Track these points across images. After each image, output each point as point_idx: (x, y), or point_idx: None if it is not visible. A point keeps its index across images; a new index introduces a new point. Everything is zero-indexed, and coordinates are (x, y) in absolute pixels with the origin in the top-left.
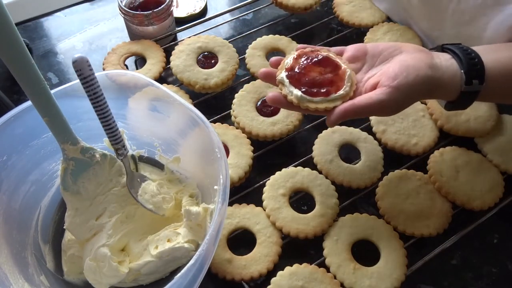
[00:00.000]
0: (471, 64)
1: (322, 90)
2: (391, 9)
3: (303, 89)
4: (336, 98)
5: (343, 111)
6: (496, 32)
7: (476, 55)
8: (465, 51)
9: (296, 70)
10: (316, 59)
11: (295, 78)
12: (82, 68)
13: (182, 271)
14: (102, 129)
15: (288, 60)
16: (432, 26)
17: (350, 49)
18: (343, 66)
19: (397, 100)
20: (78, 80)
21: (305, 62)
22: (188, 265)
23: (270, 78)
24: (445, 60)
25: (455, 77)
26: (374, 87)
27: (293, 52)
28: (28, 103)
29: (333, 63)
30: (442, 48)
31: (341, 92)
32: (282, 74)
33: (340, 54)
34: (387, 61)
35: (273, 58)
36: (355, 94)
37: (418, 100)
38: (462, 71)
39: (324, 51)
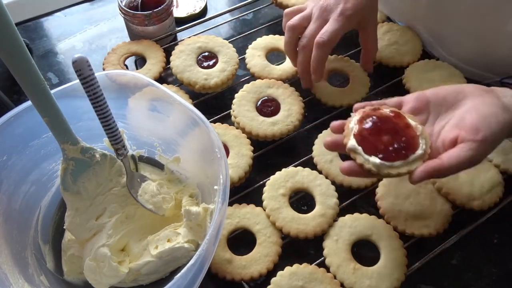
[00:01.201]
0: None
1: (400, 153)
2: (393, 10)
3: (380, 156)
4: (415, 159)
5: (430, 170)
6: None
7: None
8: None
9: (367, 135)
10: (384, 121)
11: (368, 145)
12: (82, 68)
13: (182, 271)
14: (102, 129)
15: (353, 125)
16: (441, 23)
17: (410, 101)
18: (413, 122)
19: (485, 152)
20: (78, 80)
21: (372, 125)
22: (188, 265)
23: (338, 147)
24: (511, 95)
25: None
26: (453, 141)
27: (354, 114)
28: (28, 103)
29: (402, 121)
30: (501, 83)
31: (419, 152)
32: (352, 142)
33: (399, 106)
34: (454, 107)
35: (335, 124)
36: (431, 149)
37: (499, 144)
38: None
39: (385, 107)
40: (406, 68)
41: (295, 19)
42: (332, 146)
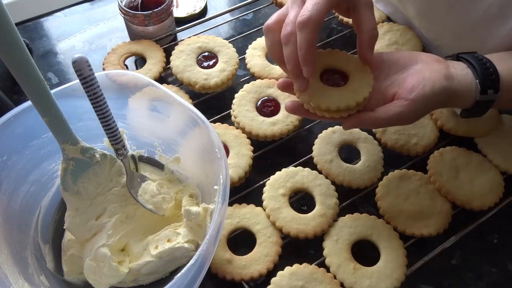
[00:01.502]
0: (486, 74)
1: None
2: (392, 13)
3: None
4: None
5: (361, 119)
6: (499, 44)
7: (491, 64)
8: (480, 61)
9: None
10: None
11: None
12: (82, 68)
13: (182, 271)
14: (102, 129)
15: None
16: (431, 37)
17: None
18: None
19: (415, 112)
20: (78, 80)
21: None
22: (188, 265)
23: (288, 88)
24: (461, 70)
25: (470, 87)
26: (391, 97)
27: None
28: (28, 103)
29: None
30: (457, 57)
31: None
32: None
33: None
34: (404, 70)
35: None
36: (369, 101)
37: (435, 109)
38: (477, 81)
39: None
40: None
41: (270, 19)
42: (284, 87)
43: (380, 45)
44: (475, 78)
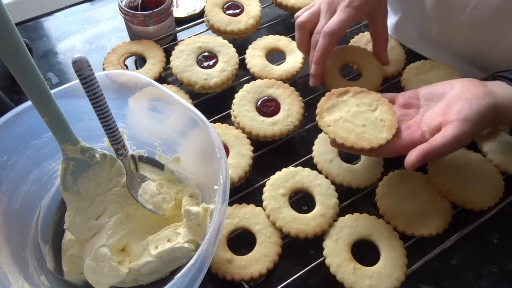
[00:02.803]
0: None
1: None
2: (393, 28)
3: None
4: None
5: (423, 153)
6: None
7: None
8: None
9: None
10: None
11: None
12: (82, 68)
13: (182, 271)
14: (102, 129)
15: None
16: (443, 36)
17: (401, 95)
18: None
19: (469, 131)
20: (78, 80)
21: None
22: (188, 265)
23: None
24: (500, 87)
25: None
26: (438, 127)
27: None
28: (28, 103)
29: None
30: (493, 77)
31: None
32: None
33: (392, 101)
34: (443, 100)
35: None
36: (400, 132)
37: (486, 129)
38: None
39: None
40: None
41: (303, 16)
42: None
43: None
44: None
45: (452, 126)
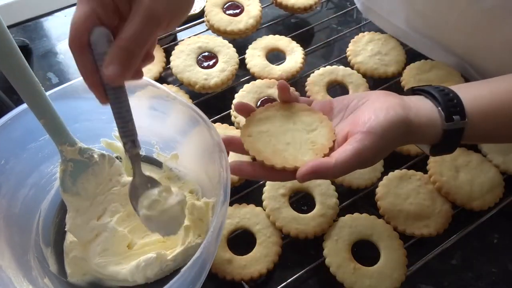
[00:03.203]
0: (447, 99)
1: None
2: (387, 25)
3: None
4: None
5: (315, 169)
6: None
7: (449, 90)
8: (437, 89)
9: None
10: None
11: None
12: (99, 42)
13: (182, 271)
14: (99, 130)
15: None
16: (436, 35)
17: (315, 106)
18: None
19: (373, 145)
20: (76, 80)
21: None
22: (188, 265)
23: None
24: (417, 100)
25: (432, 116)
26: (344, 139)
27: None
28: (25, 105)
29: None
30: (413, 91)
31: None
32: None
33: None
34: (355, 111)
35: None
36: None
37: (398, 146)
38: (439, 108)
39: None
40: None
41: None
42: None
43: (363, 56)
44: (436, 106)
45: (354, 139)
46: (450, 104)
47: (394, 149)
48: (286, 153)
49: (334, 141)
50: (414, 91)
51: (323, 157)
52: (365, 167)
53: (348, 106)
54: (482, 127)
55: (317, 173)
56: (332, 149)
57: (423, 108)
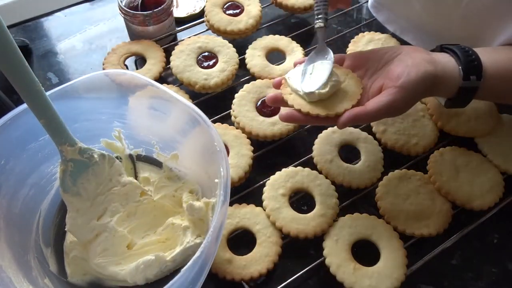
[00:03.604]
0: (469, 60)
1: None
2: (390, 19)
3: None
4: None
5: (353, 116)
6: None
7: (473, 52)
8: (463, 49)
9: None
10: None
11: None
12: None
13: (182, 271)
14: (99, 130)
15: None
16: (438, 31)
17: (350, 57)
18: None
19: (404, 99)
20: (76, 80)
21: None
22: (188, 265)
23: (278, 101)
24: (443, 57)
25: (454, 73)
26: (379, 90)
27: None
28: (24, 105)
29: None
30: (441, 48)
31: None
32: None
33: (340, 62)
34: (388, 63)
35: (275, 80)
36: (361, 100)
37: (423, 97)
38: (460, 67)
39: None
40: None
41: None
42: (273, 100)
43: None
44: (458, 65)
45: (387, 92)
46: (471, 65)
47: (422, 99)
48: (326, 102)
49: (362, 88)
50: (442, 48)
51: (356, 103)
52: (394, 116)
53: (382, 57)
54: (496, 88)
55: (355, 119)
56: (361, 95)
57: (448, 65)
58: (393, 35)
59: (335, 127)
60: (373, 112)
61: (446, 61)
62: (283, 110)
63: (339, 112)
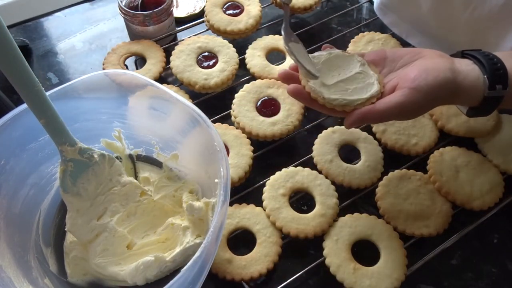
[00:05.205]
0: (494, 69)
1: None
2: (396, 22)
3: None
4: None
5: (363, 115)
6: None
7: (498, 60)
8: (487, 56)
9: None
10: None
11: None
12: None
13: (182, 271)
14: (99, 130)
15: None
16: (444, 35)
17: (369, 55)
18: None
19: (417, 102)
20: (76, 80)
21: None
22: (188, 265)
23: (290, 79)
24: (466, 65)
25: (477, 82)
26: (392, 90)
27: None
28: (24, 105)
29: None
30: (462, 54)
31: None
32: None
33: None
34: (407, 65)
35: (281, 73)
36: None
37: (439, 105)
38: (485, 76)
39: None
40: None
41: None
42: (285, 76)
43: None
44: (483, 73)
45: (400, 92)
46: (496, 73)
47: (436, 106)
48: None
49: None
50: (463, 54)
51: (374, 101)
52: (406, 119)
53: (401, 58)
54: None
55: (364, 119)
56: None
57: (471, 74)
58: (394, 35)
59: (335, 127)
60: (382, 111)
61: (470, 69)
62: (292, 85)
63: (356, 107)
